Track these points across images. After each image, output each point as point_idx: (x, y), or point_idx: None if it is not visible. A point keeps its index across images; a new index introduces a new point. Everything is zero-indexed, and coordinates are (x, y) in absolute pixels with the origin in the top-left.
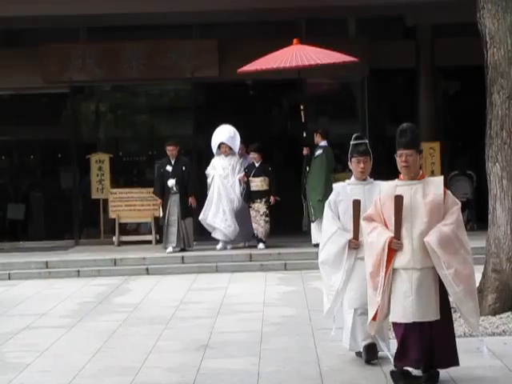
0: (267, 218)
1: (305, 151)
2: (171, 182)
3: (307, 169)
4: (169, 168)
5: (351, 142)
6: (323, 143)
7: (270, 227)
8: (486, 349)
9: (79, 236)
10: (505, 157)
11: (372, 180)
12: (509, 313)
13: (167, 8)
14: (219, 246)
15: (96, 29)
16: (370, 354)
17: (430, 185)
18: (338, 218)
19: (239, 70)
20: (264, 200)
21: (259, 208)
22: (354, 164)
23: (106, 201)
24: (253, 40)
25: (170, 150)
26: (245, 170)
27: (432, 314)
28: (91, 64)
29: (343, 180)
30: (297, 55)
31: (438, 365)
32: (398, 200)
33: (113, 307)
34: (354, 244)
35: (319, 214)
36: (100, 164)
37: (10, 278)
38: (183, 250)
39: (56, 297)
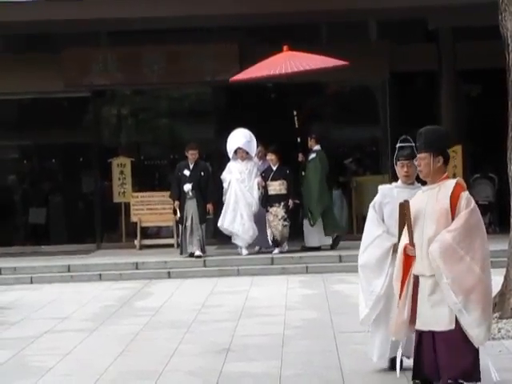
0: (285, 223)
1: (300, 157)
2: (187, 187)
3: (303, 173)
4: (186, 172)
5: (397, 145)
6: (317, 147)
7: (288, 232)
8: (494, 369)
9: (101, 240)
10: None
11: (419, 185)
12: None
13: (187, 12)
14: (244, 252)
15: (117, 33)
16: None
17: (443, 188)
18: (382, 221)
19: (232, 78)
20: (282, 204)
21: (277, 212)
22: (399, 168)
23: (127, 204)
24: (273, 43)
25: (192, 154)
26: (262, 174)
27: (444, 324)
28: (112, 68)
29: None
30: (287, 62)
31: (452, 377)
32: (402, 206)
33: (134, 311)
34: (409, 250)
35: (318, 217)
36: (121, 168)
37: (32, 282)
38: (191, 255)
39: (78, 300)
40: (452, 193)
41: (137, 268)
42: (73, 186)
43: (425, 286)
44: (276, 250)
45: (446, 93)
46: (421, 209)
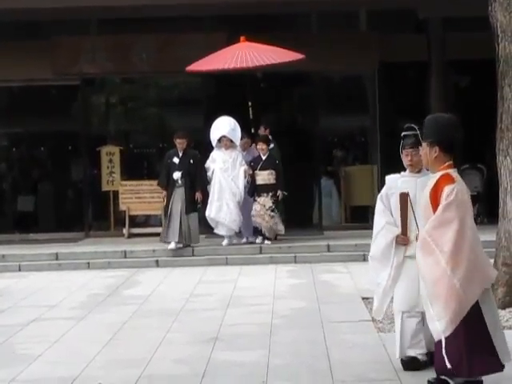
0: (272, 213)
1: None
2: (177, 175)
3: None
4: (176, 160)
5: (402, 134)
6: (270, 137)
7: (275, 222)
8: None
9: (89, 228)
10: None
11: (428, 172)
12: None
13: (177, 0)
14: (225, 242)
15: (106, 21)
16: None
17: (431, 180)
18: (391, 213)
19: (188, 68)
20: (270, 194)
21: (265, 202)
22: (403, 157)
23: (116, 193)
24: (264, 32)
25: (180, 143)
26: (251, 162)
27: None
28: (102, 57)
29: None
30: (244, 55)
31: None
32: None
33: (123, 299)
34: (402, 240)
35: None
36: (110, 156)
37: (20, 270)
38: (187, 246)
39: (66, 288)
40: (434, 185)
41: (125, 256)
42: (61, 174)
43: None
44: (266, 242)
45: (435, 83)
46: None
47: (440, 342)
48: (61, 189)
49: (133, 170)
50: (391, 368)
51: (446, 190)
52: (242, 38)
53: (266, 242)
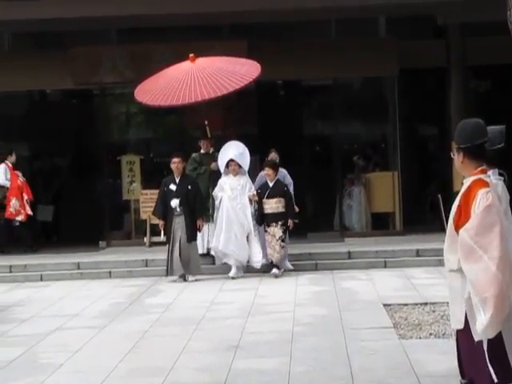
0: (283, 244)
1: (213, 165)
2: (174, 203)
3: None
4: (172, 187)
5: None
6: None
7: (286, 253)
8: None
9: (110, 237)
10: None
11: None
12: None
13: (197, 9)
14: (232, 272)
15: (126, 31)
16: None
17: (464, 186)
18: None
19: (143, 101)
20: (280, 223)
21: (275, 232)
22: None
23: (136, 202)
24: (284, 40)
25: (174, 163)
26: (258, 190)
27: (456, 322)
28: (121, 66)
29: None
30: (197, 85)
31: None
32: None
33: (144, 308)
34: None
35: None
36: (130, 165)
37: (42, 280)
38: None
39: (88, 298)
40: (465, 191)
41: (146, 265)
42: (82, 183)
43: (448, 281)
44: (275, 270)
45: (455, 89)
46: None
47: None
48: (82, 198)
49: (153, 178)
50: (412, 374)
51: (481, 193)
52: (190, 57)
53: (275, 270)
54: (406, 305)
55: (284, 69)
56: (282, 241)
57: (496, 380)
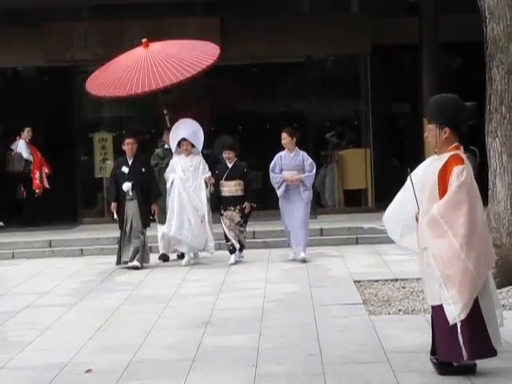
0: (242, 228)
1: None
2: (127, 186)
3: None
4: (125, 169)
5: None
6: None
7: (245, 238)
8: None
9: (82, 215)
10: (504, 132)
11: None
12: (509, 287)
13: None
14: (185, 260)
15: (98, 7)
16: None
17: (439, 161)
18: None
19: (92, 92)
20: (238, 208)
21: (233, 216)
22: None
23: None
24: (253, 16)
25: (128, 144)
26: (215, 171)
27: (432, 298)
28: (93, 43)
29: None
30: (149, 74)
31: (439, 355)
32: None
33: (115, 286)
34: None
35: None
36: (103, 143)
37: (13, 257)
38: (141, 267)
39: (59, 275)
40: (442, 166)
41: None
42: (54, 160)
43: (421, 258)
44: (232, 259)
45: (427, 66)
46: (424, 180)
47: (452, 326)
48: (54, 176)
49: None
50: (381, 350)
51: (456, 170)
52: (144, 42)
53: (232, 258)
54: (376, 281)
55: (256, 46)
56: (241, 226)
57: (467, 356)
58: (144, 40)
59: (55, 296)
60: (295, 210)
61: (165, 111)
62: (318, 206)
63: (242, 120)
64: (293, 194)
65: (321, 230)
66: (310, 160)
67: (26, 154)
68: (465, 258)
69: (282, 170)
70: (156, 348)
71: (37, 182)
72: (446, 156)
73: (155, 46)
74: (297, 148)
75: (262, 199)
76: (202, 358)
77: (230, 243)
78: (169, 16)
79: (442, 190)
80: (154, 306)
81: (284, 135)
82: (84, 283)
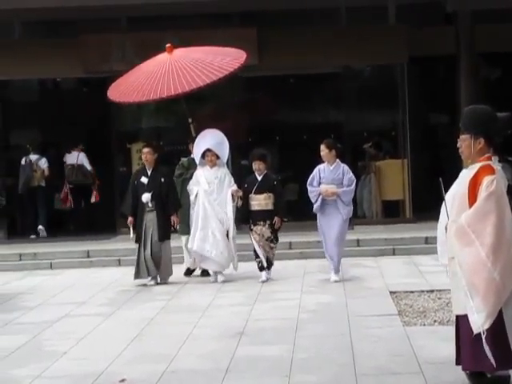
0: (272, 245)
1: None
2: (146, 197)
3: None
4: (144, 180)
5: None
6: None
7: (274, 255)
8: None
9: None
10: None
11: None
12: None
13: None
14: (211, 278)
15: (135, 19)
16: None
17: (471, 171)
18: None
19: (115, 99)
20: (268, 223)
21: (263, 232)
22: None
23: None
24: (294, 28)
25: (144, 154)
26: (244, 184)
27: (458, 307)
28: (131, 54)
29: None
30: (176, 76)
31: (462, 364)
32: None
33: (151, 295)
34: None
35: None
36: (141, 153)
37: (51, 268)
38: (162, 282)
39: (96, 285)
40: (473, 176)
41: None
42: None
43: (449, 268)
44: (263, 277)
45: (464, 76)
46: (456, 190)
47: (476, 336)
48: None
49: (164, 166)
50: (414, 361)
51: (486, 180)
52: (167, 48)
53: (265, 275)
54: (412, 292)
55: (293, 56)
56: (271, 242)
57: (495, 365)
58: (168, 45)
59: (92, 306)
60: (332, 226)
61: (190, 120)
62: (355, 216)
63: (279, 131)
64: (330, 208)
65: (357, 240)
66: (351, 174)
67: (89, 166)
68: (491, 267)
69: (320, 184)
70: (190, 358)
71: (95, 192)
72: (477, 166)
73: (179, 52)
74: (338, 161)
75: (298, 210)
76: (235, 369)
77: (258, 260)
78: (206, 27)
79: (472, 199)
80: (190, 316)
81: (322, 147)
82: (120, 293)
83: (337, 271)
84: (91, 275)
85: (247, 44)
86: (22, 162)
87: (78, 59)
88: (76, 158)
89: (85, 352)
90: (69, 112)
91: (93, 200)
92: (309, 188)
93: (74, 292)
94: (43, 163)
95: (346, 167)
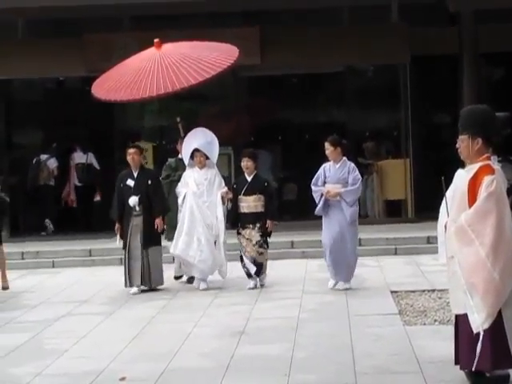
0: (261, 250)
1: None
2: (133, 201)
3: None
4: (130, 182)
5: None
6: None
7: (265, 261)
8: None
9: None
10: None
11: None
12: None
13: None
14: (195, 284)
15: (138, 18)
16: None
17: (470, 171)
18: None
19: (100, 97)
20: (258, 226)
21: (251, 236)
22: None
23: None
24: (295, 26)
25: (130, 154)
26: (233, 185)
27: (457, 307)
28: (134, 53)
29: None
30: (167, 73)
31: (461, 363)
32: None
33: (152, 295)
34: None
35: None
36: (143, 152)
37: (53, 266)
38: (151, 289)
39: (98, 284)
40: (473, 176)
41: None
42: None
43: (448, 267)
44: (251, 284)
45: (467, 76)
46: (454, 190)
47: (477, 335)
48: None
49: None
50: (414, 360)
51: (486, 180)
52: (155, 43)
53: (253, 282)
54: (413, 291)
55: (295, 56)
56: (260, 246)
57: (494, 365)
58: (156, 40)
59: (93, 304)
60: (337, 232)
61: (178, 119)
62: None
63: (281, 130)
64: (333, 210)
65: (359, 239)
66: (356, 173)
67: (97, 166)
68: (490, 267)
69: (325, 184)
70: (190, 356)
71: (99, 191)
72: (476, 166)
73: (168, 46)
74: (344, 158)
75: (300, 209)
76: (235, 367)
77: (243, 264)
78: (208, 26)
79: (472, 199)
80: (190, 315)
81: (326, 145)
82: (122, 292)
83: (347, 280)
84: (93, 274)
85: (249, 43)
86: (33, 161)
87: (81, 58)
88: (85, 157)
89: (86, 350)
90: (71, 111)
91: (96, 199)
92: (312, 188)
93: (76, 291)
94: (52, 163)
95: (352, 165)
